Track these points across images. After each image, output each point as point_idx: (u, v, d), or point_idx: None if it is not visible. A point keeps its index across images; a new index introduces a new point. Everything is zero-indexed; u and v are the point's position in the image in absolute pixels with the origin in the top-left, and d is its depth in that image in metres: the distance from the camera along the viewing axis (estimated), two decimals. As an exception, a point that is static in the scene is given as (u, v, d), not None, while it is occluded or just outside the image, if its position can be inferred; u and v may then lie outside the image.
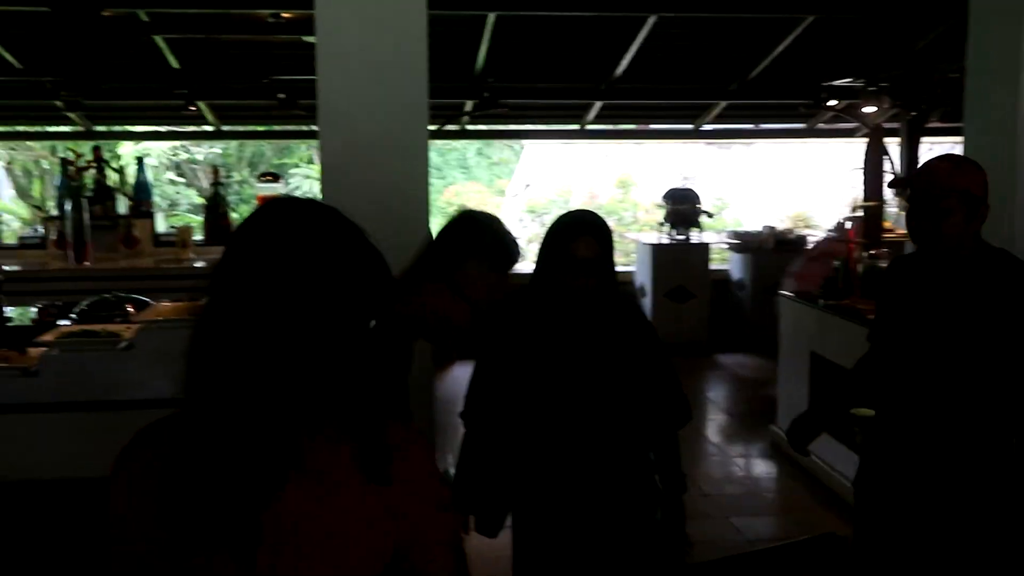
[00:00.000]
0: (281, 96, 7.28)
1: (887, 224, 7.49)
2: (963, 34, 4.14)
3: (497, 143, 16.13)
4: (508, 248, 2.45)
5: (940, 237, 2.62)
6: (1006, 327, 2.62)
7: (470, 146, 16.49)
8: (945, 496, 2.73)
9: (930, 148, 10.06)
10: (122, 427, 1.37)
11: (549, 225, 2.75)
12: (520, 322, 2.79)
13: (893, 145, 8.69)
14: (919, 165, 2.83)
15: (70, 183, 6.35)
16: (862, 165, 7.29)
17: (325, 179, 3.37)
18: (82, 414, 3.29)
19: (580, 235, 2.63)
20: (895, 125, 8.65)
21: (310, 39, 3.39)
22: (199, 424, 1.28)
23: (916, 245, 2.80)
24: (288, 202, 1.38)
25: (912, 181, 2.76)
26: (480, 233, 2.40)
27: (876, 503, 2.91)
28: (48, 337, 3.64)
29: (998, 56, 3.91)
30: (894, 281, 2.97)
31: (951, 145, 10.80)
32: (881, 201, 6.92)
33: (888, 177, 7.59)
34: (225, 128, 9.12)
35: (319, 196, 3.40)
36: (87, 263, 6.07)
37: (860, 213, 6.84)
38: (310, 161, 15.36)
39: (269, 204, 1.40)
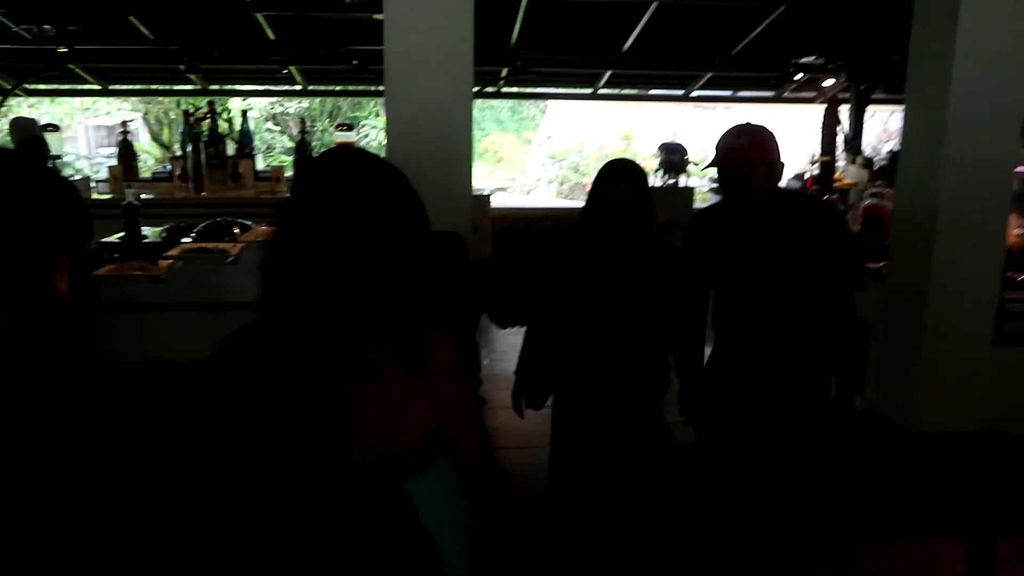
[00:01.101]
0: (355, 62, 7.15)
1: (837, 175, 7.30)
2: (904, 25, 3.99)
3: (526, 103, 15.86)
4: None
5: (751, 201, 2.49)
6: (819, 254, 2.53)
7: (504, 104, 16.23)
8: (781, 399, 2.64)
9: (872, 114, 9.78)
10: (230, 323, 1.35)
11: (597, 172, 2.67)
12: (571, 249, 2.76)
13: (844, 111, 8.46)
14: (721, 144, 2.52)
15: (190, 130, 6.32)
16: (820, 127, 7.10)
17: (390, 129, 3.32)
18: (198, 312, 3.30)
19: (617, 180, 2.56)
20: (846, 95, 8.40)
21: (379, 16, 3.29)
22: (274, 330, 1.26)
23: (733, 208, 2.60)
24: (343, 151, 1.35)
25: (720, 160, 2.49)
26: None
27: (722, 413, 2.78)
28: (174, 252, 3.63)
29: (935, 51, 3.76)
30: (707, 233, 2.73)
31: (889, 112, 10.53)
32: (833, 157, 6.72)
33: (840, 138, 7.39)
34: (311, 88, 8.99)
35: (383, 143, 3.37)
36: (203, 193, 6.06)
37: (817, 166, 6.67)
38: (377, 115, 15.18)
39: (327, 152, 1.36)
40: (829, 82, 7.55)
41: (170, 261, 3.52)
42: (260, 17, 6.49)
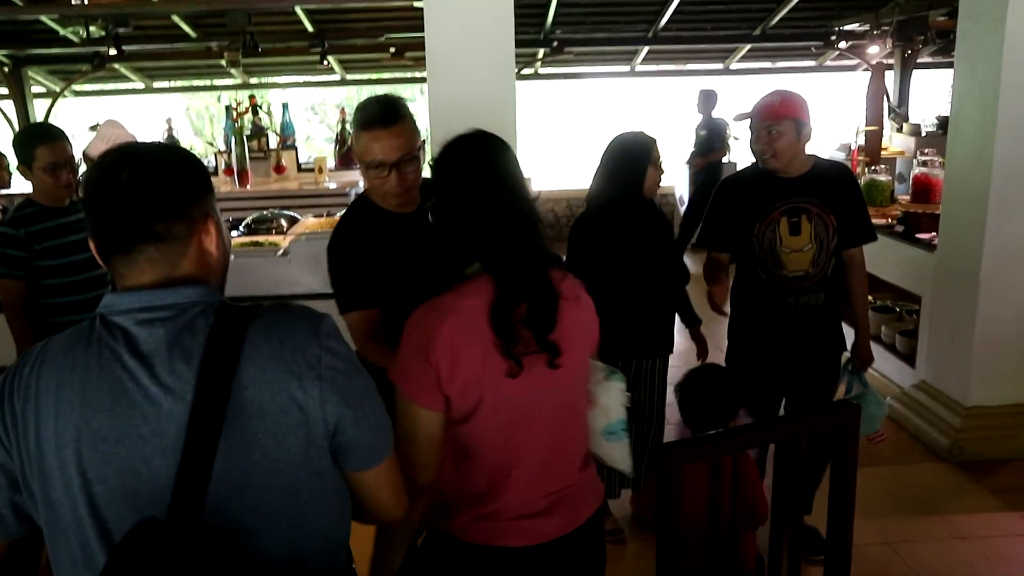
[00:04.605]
0: (392, 50, 7.17)
1: (885, 146, 7.12)
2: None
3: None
4: None
5: (777, 154, 2.70)
6: (837, 213, 2.77)
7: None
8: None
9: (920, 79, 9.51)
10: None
11: (619, 147, 2.83)
12: (622, 224, 2.97)
13: (889, 77, 8.26)
14: (756, 104, 2.77)
15: (233, 125, 6.40)
16: (865, 96, 6.94)
17: (432, 117, 3.33)
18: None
19: (654, 154, 2.88)
20: (891, 61, 8.19)
21: (419, 4, 3.30)
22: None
23: (760, 164, 2.80)
24: (469, 135, 1.64)
25: (752, 115, 2.75)
26: None
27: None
28: (225, 245, 3.72)
29: (987, 9, 3.65)
30: (736, 197, 2.91)
31: (938, 76, 10.23)
32: (880, 126, 6.55)
33: (886, 106, 7.21)
34: (349, 77, 9.04)
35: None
36: (248, 186, 6.15)
37: (862, 136, 6.51)
38: (414, 100, 15.22)
39: (461, 138, 1.63)
40: (873, 49, 7.35)
41: (222, 255, 3.60)
42: (299, 10, 6.55)
